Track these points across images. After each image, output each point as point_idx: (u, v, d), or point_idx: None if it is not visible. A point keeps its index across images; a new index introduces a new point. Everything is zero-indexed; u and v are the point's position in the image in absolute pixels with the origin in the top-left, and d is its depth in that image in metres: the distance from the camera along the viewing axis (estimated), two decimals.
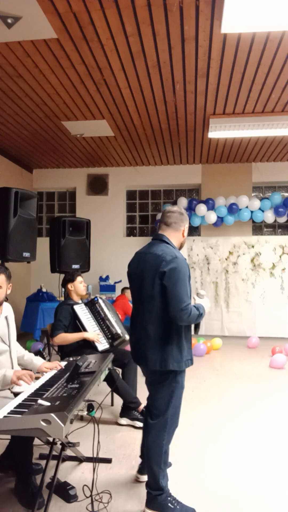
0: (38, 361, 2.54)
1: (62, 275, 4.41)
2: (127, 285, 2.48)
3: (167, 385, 2.14)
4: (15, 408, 1.84)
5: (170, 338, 2.08)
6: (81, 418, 3.12)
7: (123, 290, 6.45)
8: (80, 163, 7.65)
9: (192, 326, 2.29)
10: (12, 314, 2.51)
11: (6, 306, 2.49)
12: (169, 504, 2.12)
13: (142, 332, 2.16)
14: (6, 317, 2.45)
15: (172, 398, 2.15)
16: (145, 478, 2.42)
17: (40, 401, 1.83)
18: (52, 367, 2.48)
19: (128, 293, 6.21)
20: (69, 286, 3.64)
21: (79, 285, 3.65)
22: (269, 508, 2.21)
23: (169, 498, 2.14)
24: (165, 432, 2.17)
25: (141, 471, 2.48)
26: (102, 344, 3.46)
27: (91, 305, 3.74)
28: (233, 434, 3.16)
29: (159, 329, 2.10)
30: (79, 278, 3.67)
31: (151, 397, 2.24)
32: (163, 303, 2.07)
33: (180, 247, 2.31)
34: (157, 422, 2.18)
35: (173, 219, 2.25)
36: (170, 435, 2.22)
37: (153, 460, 2.15)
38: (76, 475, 2.54)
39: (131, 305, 5.93)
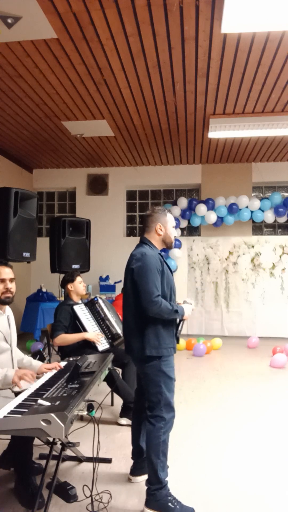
0: (37, 363, 2.55)
1: (62, 275, 4.42)
2: None
3: (153, 376, 2.23)
4: (15, 408, 1.84)
5: (147, 328, 2.22)
6: (81, 418, 3.11)
7: (123, 289, 6.42)
8: (80, 163, 7.65)
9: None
10: (12, 315, 2.54)
11: (7, 307, 2.52)
12: (169, 504, 2.12)
13: (127, 325, 2.34)
14: (8, 317, 2.49)
15: (161, 388, 2.22)
16: (137, 479, 2.46)
17: (40, 401, 1.83)
18: (52, 367, 2.49)
19: None
20: (69, 286, 3.64)
21: (79, 285, 3.65)
22: (269, 508, 2.21)
23: (169, 498, 2.15)
24: (162, 422, 2.22)
25: (133, 472, 2.49)
26: (102, 344, 3.46)
27: (91, 305, 3.74)
28: (233, 434, 3.16)
29: (138, 320, 2.26)
30: (78, 278, 3.67)
31: (145, 390, 2.29)
32: (136, 297, 2.24)
33: (167, 243, 2.43)
34: (153, 413, 2.24)
35: (145, 224, 2.43)
36: (168, 425, 2.25)
37: (151, 450, 2.19)
38: (76, 475, 2.55)
39: None
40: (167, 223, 2.42)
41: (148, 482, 2.20)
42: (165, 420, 2.23)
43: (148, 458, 2.21)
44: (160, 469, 2.16)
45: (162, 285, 2.25)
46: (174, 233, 2.46)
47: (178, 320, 2.34)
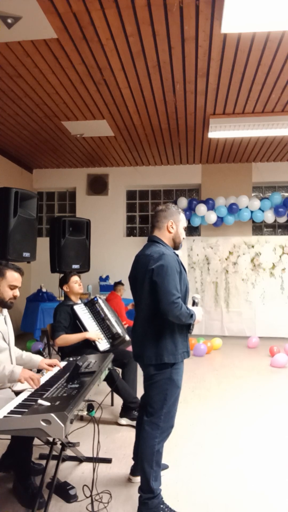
0: (37, 357, 2.55)
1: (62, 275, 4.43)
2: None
3: (161, 383, 2.14)
4: (15, 408, 1.84)
5: (164, 333, 2.12)
6: (81, 418, 3.12)
7: (115, 285, 6.33)
8: (80, 163, 7.65)
9: None
10: (8, 315, 2.57)
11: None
12: None
13: (139, 330, 2.23)
14: (5, 317, 2.51)
15: (166, 396, 2.15)
16: (137, 479, 2.41)
17: (40, 401, 1.83)
18: (52, 363, 2.50)
19: (119, 290, 6.17)
20: (65, 287, 3.65)
21: (74, 285, 3.64)
22: (271, 508, 2.20)
23: (161, 506, 2.09)
24: (158, 430, 2.15)
25: (133, 472, 2.47)
26: (103, 343, 3.46)
27: (91, 305, 3.74)
28: (233, 434, 3.16)
29: (153, 325, 2.15)
30: (73, 278, 3.66)
31: (147, 395, 2.23)
32: (154, 300, 2.10)
33: (175, 243, 2.32)
34: (150, 420, 2.17)
35: (156, 219, 2.30)
36: (164, 435, 2.19)
37: (144, 459, 2.13)
38: (76, 475, 2.54)
39: (123, 303, 5.94)
40: (179, 222, 2.30)
41: (140, 489, 2.13)
42: (160, 429, 2.15)
43: (141, 466, 2.14)
44: (152, 478, 2.08)
45: (179, 286, 2.15)
46: (183, 234, 2.35)
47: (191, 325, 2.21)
